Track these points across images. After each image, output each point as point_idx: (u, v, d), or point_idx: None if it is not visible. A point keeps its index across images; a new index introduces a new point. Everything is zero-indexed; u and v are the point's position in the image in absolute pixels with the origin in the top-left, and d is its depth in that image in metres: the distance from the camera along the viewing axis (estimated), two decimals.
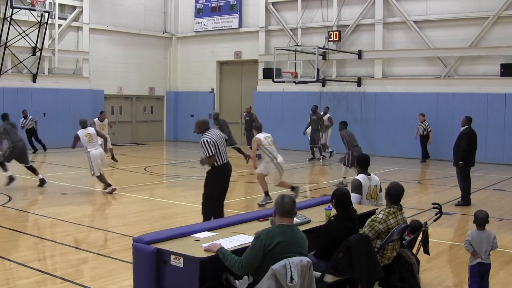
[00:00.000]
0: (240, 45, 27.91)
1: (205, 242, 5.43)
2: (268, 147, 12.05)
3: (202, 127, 9.30)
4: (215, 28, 28.65)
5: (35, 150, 22.74)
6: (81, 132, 13.87)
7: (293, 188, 12.40)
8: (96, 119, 19.91)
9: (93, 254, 8.48)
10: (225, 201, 10.54)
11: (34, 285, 7.09)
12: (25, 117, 22.57)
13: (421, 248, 7.02)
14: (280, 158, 12.23)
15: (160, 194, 14.86)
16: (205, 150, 9.00)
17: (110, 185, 13.93)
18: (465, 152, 12.47)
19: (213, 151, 9.02)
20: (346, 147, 15.28)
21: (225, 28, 28.25)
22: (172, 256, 5.21)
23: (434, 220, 7.30)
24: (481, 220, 6.38)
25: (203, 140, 9.04)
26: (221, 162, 9.21)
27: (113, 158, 19.99)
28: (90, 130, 14.08)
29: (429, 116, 21.25)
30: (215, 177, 9.31)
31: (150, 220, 11.07)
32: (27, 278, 7.33)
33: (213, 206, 9.30)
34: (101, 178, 14.04)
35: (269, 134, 12.40)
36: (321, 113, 21.80)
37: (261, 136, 12.12)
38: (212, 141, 9.04)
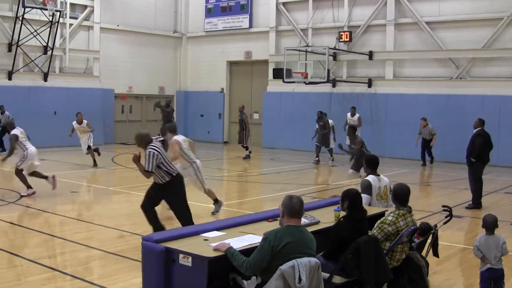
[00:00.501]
0: (250, 45, 27.91)
1: (213, 242, 5.43)
2: (186, 151, 11.12)
3: (144, 141, 8.63)
4: (226, 28, 28.66)
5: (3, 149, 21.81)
6: (16, 131, 13.33)
7: (216, 201, 11.56)
8: (74, 122, 18.82)
9: (103, 252, 8.50)
10: (234, 201, 10.52)
11: (44, 282, 7.13)
12: (2, 113, 21.95)
13: (431, 251, 6.99)
14: (199, 162, 11.31)
15: None
16: (146, 161, 8.43)
17: (31, 187, 13.33)
18: (479, 151, 12.38)
19: (152, 168, 8.43)
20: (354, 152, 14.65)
21: (236, 28, 28.26)
22: (181, 255, 5.22)
23: (444, 223, 7.27)
24: (490, 225, 6.32)
25: (148, 152, 8.45)
26: (175, 173, 8.80)
27: (95, 155, 18.64)
28: (21, 129, 13.56)
29: (439, 118, 21.17)
30: (175, 186, 8.80)
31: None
32: (38, 274, 7.37)
33: (152, 208, 8.86)
34: (22, 176, 13.38)
35: (185, 138, 11.45)
36: (349, 114, 21.72)
37: (179, 138, 11.03)
38: (156, 152, 8.48)
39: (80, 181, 15.75)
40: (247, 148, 21.68)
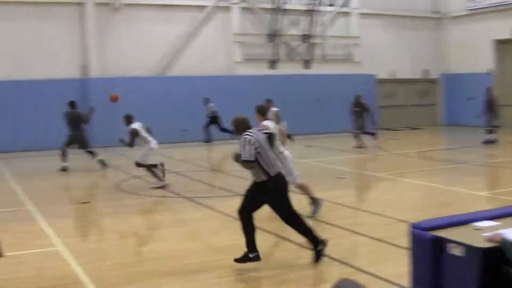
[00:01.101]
0: None
1: (486, 232, 5.09)
2: None
3: (241, 127, 7.31)
4: (491, 5, 26.79)
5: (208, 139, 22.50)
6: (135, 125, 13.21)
7: (313, 201, 10.10)
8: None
9: (369, 239, 8.52)
10: (508, 189, 9.68)
11: (313, 266, 7.36)
12: (206, 103, 22.39)
13: None
14: (287, 152, 10.03)
15: (438, 180, 14.30)
16: (241, 149, 7.13)
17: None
18: None
19: (251, 156, 7.06)
20: None
21: (501, 4, 26.25)
22: (451, 245, 4.98)
23: None
24: None
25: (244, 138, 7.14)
26: (272, 173, 7.22)
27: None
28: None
29: None
30: (270, 189, 7.24)
31: (426, 206, 10.84)
32: (305, 258, 7.59)
33: (250, 214, 7.34)
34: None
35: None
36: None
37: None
38: (253, 139, 7.10)
39: (346, 167, 16.04)
40: (491, 131, 20.11)
